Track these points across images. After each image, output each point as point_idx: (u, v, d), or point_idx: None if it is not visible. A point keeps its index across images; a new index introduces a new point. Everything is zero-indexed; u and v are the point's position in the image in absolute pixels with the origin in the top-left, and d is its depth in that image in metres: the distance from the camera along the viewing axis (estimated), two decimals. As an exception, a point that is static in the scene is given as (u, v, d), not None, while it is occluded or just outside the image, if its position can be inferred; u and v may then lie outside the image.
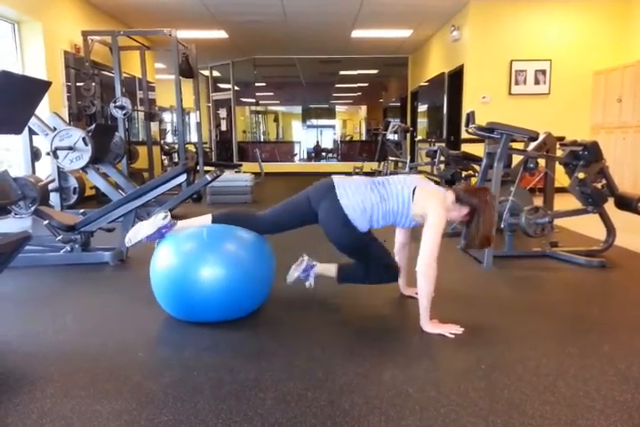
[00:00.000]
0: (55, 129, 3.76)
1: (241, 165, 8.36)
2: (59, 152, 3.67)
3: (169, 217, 2.24)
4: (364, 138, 18.72)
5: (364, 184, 2.27)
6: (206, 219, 2.32)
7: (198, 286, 2.08)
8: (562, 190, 3.58)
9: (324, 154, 17.72)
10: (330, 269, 2.48)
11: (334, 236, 2.30)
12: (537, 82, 7.34)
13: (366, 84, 16.22)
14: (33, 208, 3.30)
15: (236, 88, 12.66)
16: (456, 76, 7.95)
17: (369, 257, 2.37)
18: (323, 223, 2.29)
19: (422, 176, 2.44)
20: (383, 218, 2.25)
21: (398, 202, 2.21)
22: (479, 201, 2.22)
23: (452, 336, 2.04)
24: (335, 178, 2.32)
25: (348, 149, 16.84)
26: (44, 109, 5.08)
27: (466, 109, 6.73)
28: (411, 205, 2.20)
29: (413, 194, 2.20)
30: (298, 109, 19.01)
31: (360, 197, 2.22)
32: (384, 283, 2.44)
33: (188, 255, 2.12)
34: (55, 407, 1.52)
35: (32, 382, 1.68)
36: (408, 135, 8.87)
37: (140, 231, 2.23)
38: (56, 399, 1.56)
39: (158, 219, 2.22)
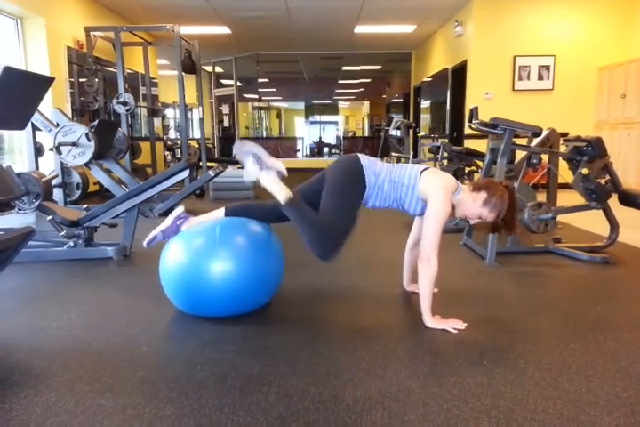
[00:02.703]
0: (58, 125, 3.76)
1: (244, 161, 8.34)
2: (62, 148, 3.67)
3: (183, 208, 2.34)
4: (366, 134, 18.73)
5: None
6: (219, 212, 2.34)
7: (208, 281, 2.08)
8: (565, 186, 3.58)
9: (326, 150, 17.72)
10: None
11: (334, 174, 2.22)
12: (541, 77, 7.31)
13: (369, 80, 16.19)
14: (36, 204, 3.31)
15: (239, 84, 12.65)
16: (459, 72, 7.92)
17: (334, 219, 2.13)
18: (331, 166, 2.28)
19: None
20: (390, 182, 2.17)
21: (406, 173, 2.18)
22: (500, 197, 2.13)
23: (455, 332, 2.04)
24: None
25: (351, 145, 16.84)
26: (47, 105, 5.08)
27: (469, 105, 6.72)
28: (418, 180, 2.14)
29: (421, 174, 2.17)
30: (300, 105, 19.02)
31: (372, 159, 2.25)
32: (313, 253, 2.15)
33: (198, 250, 2.12)
34: (59, 402, 1.53)
35: (37, 376, 1.69)
36: (411, 131, 8.85)
37: (156, 229, 2.30)
38: (60, 394, 1.57)
39: (173, 212, 2.31)
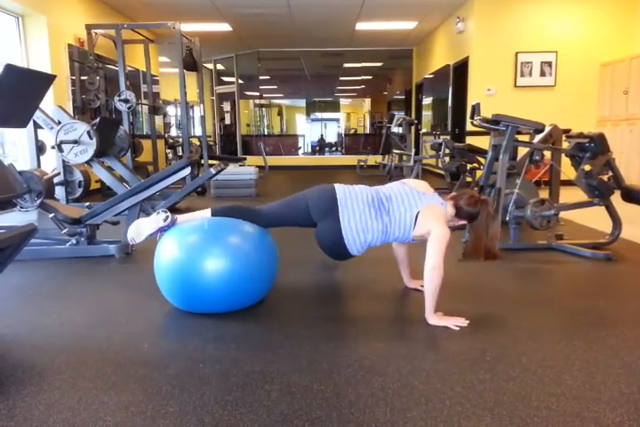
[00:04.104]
0: (60, 123, 3.76)
1: (245, 159, 8.36)
2: (64, 146, 3.68)
3: (170, 218, 2.22)
4: (368, 131, 18.68)
5: (368, 207, 2.21)
6: (205, 213, 2.33)
7: (202, 278, 2.09)
8: (568, 183, 3.57)
9: (328, 147, 17.69)
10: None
11: (326, 251, 2.38)
12: (543, 74, 7.29)
13: (370, 77, 16.14)
14: (38, 201, 3.31)
15: (240, 81, 12.62)
16: (461, 69, 7.90)
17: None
18: (319, 239, 2.33)
19: (425, 183, 2.38)
20: (382, 242, 2.30)
21: (400, 229, 2.23)
22: (481, 214, 2.23)
23: (457, 329, 2.04)
24: (339, 193, 2.25)
25: (352, 143, 16.78)
26: (48, 103, 5.08)
27: (471, 102, 6.70)
28: (411, 232, 2.22)
29: (416, 218, 2.20)
30: (302, 103, 18.98)
31: (363, 228, 2.21)
32: None
33: (191, 247, 2.13)
34: (62, 399, 1.53)
35: (39, 373, 1.69)
36: (412, 128, 8.84)
37: (141, 230, 2.23)
38: (63, 391, 1.57)
39: (159, 219, 2.21)
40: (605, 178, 3.36)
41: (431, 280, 2.08)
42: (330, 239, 2.27)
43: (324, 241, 2.31)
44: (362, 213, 2.21)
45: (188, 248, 2.13)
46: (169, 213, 2.24)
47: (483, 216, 2.23)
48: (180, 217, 2.29)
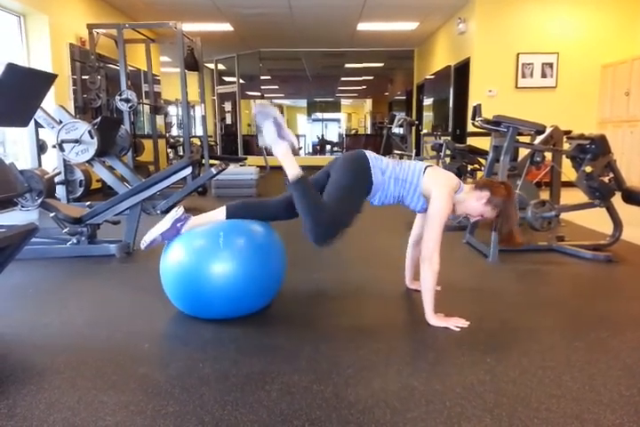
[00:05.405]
0: (61, 122, 3.77)
1: (246, 159, 8.36)
2: (65, 145, 3.68)
3: (182, 209, 2.20)
4: (369, 131, 18.70)
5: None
6: (220, 211, 2.25)
7: (209, 284, 2.04)
8: (568, 184, 3.56)
9: (328, 147, 17.70)
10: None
11: (340, 170, 2.17)
12: (544, 75, 7.29)
13: (372, 78, 16.16)
14: (39, 201, 3.31)
15: (242, 81, 12.63)
16: (462, 69, 7.90)
17: (336, 207, 2.09)
18: (336, 163, 2.22)
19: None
20: (395, 180, 2.17)
21: (410, 170, 2.18)
22: (508, 198, 2.16)
23: (458, 330, 2.04)
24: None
25: (353, 143, 16.80)
26: (49, 102, 5.08)
27: (472, 103, 6.70)
28: (421, 177, 2.16)
29: (425, 171, 2.18)
30: (303, 103, 19.00)
31: (377, 155, 2.22)
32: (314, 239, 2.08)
33: (199, 253, 2.07)
34: (62, 398, 1.53)
35: (39, 373, 1.69)
36: (413, 129, 8.84)
37: (154, 230, 2.17)
38: (63, 390, 1.57)
39: (172, 213, 2.18)
40: (606, 179, 3.36)
41: (426, 274, 2.08)
42: (349, 155, 2.22)
43: (343, 159, 2.22)
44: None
45: (197, 256, 2.06)
46: (181, 206, 2.21)
47: (509, 200, 2.17)
48: (194, 218, 2.22)
